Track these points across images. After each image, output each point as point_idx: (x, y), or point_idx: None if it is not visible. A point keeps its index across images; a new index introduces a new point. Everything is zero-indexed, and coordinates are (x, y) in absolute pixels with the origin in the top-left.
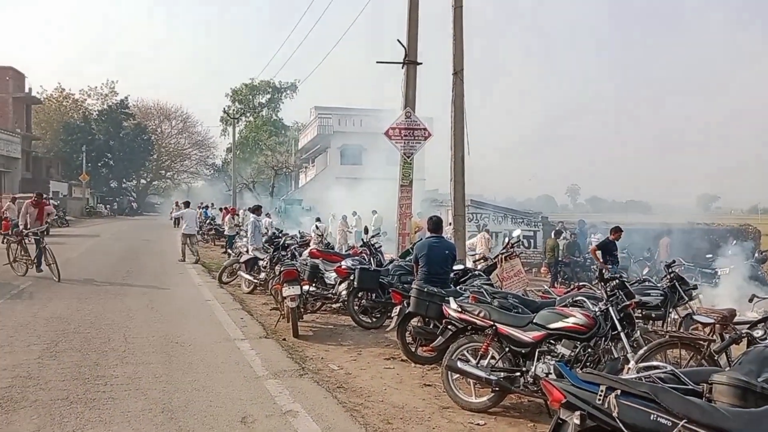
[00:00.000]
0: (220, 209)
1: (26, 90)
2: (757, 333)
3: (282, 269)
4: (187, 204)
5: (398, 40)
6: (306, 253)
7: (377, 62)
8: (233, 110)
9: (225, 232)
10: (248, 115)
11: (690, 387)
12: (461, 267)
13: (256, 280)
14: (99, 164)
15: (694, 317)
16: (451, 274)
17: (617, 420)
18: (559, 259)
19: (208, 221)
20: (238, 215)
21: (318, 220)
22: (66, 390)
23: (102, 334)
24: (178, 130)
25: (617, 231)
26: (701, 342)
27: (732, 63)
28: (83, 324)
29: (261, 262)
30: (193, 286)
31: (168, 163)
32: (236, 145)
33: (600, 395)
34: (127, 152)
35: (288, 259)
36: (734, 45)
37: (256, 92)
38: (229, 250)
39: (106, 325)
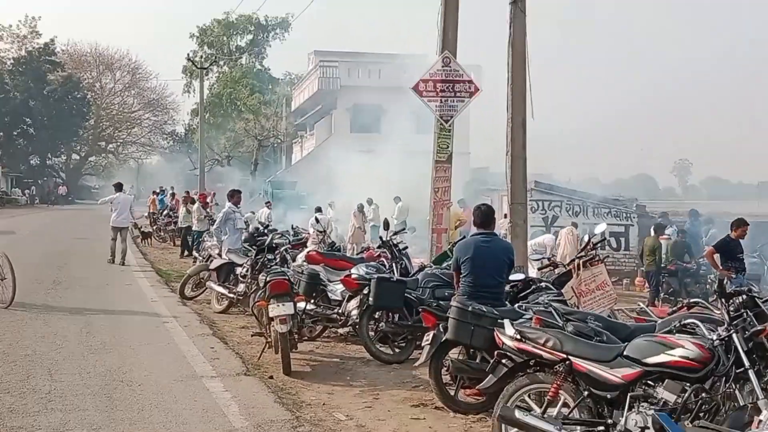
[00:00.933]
0: (185, 195)
1: None
2: None
3: (268, 279)
4: (118, 187)
5: None
6: (302, 256)
7: None
8: (201, 57)
9: (193, 228)
10: (222, 63)
11: None
12: (521, 276)
13: (231, 295)
14: (14, 134)
15: None
16: (507, 287)
17: None
18: (662, 265)
19: (165, 212)
20: (212, 203)
21: (318, 210)
22: None
23: (19, 368)
24: (125, 86)
25: (741, 225)
26: None
27: None
28: None
29: (239, 270)
30: (144, 302)
31: (110, 132)
32: (205, 106)
33: None
34: (54, 117)
35: (277, 265)
36: None
37: (233, 32)
38: (195, 253)
39: (24, 357)
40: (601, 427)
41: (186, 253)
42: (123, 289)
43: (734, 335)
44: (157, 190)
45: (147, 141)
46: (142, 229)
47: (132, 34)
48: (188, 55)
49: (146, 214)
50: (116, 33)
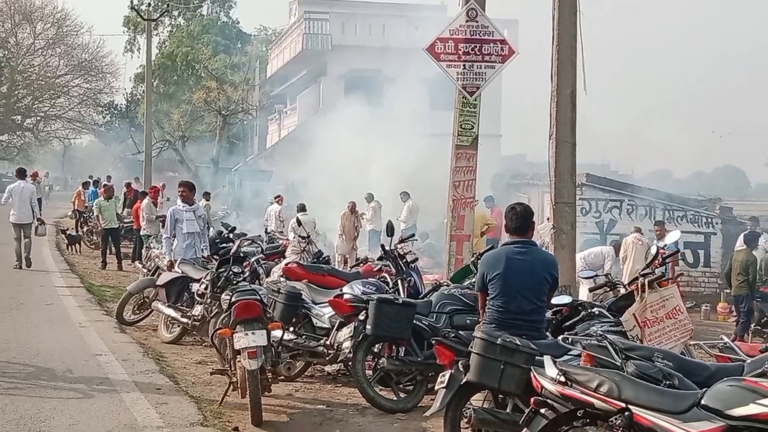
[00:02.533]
0: (112, 188)
1: None
2: None
3: (234, 300)
4: (20, 173)
5: None
6: (278, 270)
7: None
8: (149, 5)
9: (142, 231)
10: (176, 14)
11: None
12: (567, 300)
13: (185, 320)
14: None
15: None
16: (549, 313)
17: None
18: (754, 287)
19: (96, 211)
20: (162, 199)
21: (302, 209)
22: None
23: None
24: (47, 42)
25: None
26: None
27: None
28: None
29: (196, 287)
30: (71, 327)
31: (28, 103)
32: (153, 70)
33: None
34: None
35: (245, 280)
36: None
37: None
38: (137, 263)
39: None
40: None
41: (104, 263)
42: (42, 310)
43: None
44: (88, 181)
45: (76, 115)
46: (68, 232)
47: None
48: (131, 2)
49: (70, 212)
50: None
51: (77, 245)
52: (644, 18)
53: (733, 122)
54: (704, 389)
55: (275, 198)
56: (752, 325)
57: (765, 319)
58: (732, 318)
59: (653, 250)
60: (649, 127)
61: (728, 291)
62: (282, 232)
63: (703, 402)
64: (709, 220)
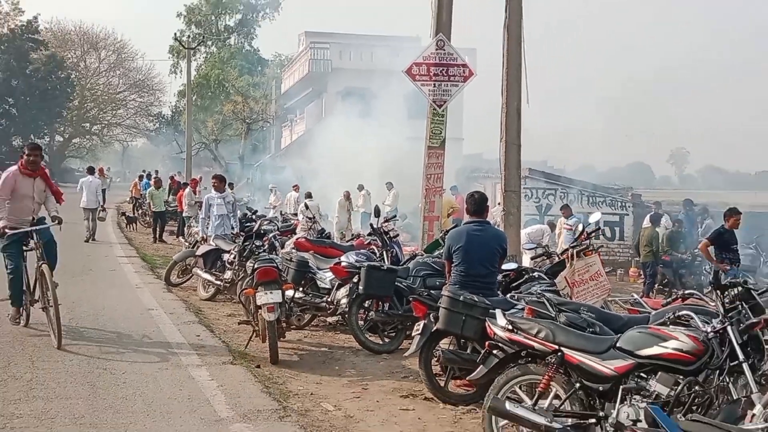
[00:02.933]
0: (160, 180)
1: None
2: None
3: (256, 267)
4: (90, 170)
5: None
6: (290, 243)
7: None
8: (188, 37)
9: (184, 213)
10: (210, 43)
11: None
12: (514, 266)
13: (218, 282)
14: None
15: None
16: (500, 277)
17: None
18: (658, 256)
19: (148, 198)
20: (200, 189)
21: (309, 196)
22: None
23: (0, 356)
24: (110, 66)
25: (733, 215)
26: None
27: None
28: None
29: (226, 256)
30: (128, 289)
31: (95, 113)
32: (192, 88)
33: None
34: (37, 96)
35: (265, 252)
36: None
37: (222, 11)
38: (180, 238)
39: (5, 344)
40: (593, 420)
41: (156, 239)
42: (107, 275)
43: (729, 328)
44: (142, 174)
45: (132, 123)
46: (126, 214)
47: (118, 11)
48: (175, 34)
49: (128, 199)
50: (101, 10)
51: (134, 224)
52: (576, 44)
53: (642, 127)
54: (619, 335)
55: (293, 187)
56: (656, 285)
57: (666, 280)
58: (640, 280)
59: (580, 227)
60: (577, 131)
61: (638, 259)
62: (295, 214)
63: (618, 345)
64: (623, 204)
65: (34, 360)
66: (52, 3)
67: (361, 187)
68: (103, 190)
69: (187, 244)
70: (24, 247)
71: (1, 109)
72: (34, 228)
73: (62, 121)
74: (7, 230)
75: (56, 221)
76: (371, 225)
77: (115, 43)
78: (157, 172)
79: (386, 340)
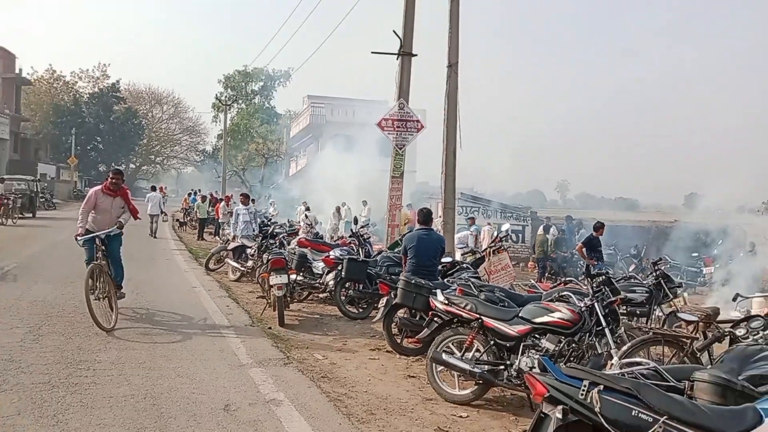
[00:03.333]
0: (204, 197)
1: (17, 71)
2: (740, 332)
3: (270, 258)
4: (153, 188)
5: (394, 31)
6: (294, 242)
7: (372, 52)
8: (225, 97)
9: (219, 220)
10: (240, 102)
11: (672, 384)
12: (449, 260)
13: (243, 268)
14: (88, 147)
15: (678, 315)
16: (439, 267)
17: (599, 415)
18: (547, 254)
19: (195, 208)
20: (231, 202)
21: (308, 208)
22: (48, 374)
23: (86, 318)
24: (169, 116)
25: (600, 227)
26: (684, 340)
27: (724, 65)
28: (67, 308)
29: (249, 250)
30: (179, 272)
31: (158, 148)
32: (227, 132)
33: (583, 390)
34: (117, 136)
35: (276, 247)
36: (725, 48)
37: (249, 79)
38: (217, 237)
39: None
40: (502, 367)
41: (199, 237)
42: (164, 263)
43: (596, 304)
44: (191, 192)
45: (184, 156)
46: (179, 220)
47: (178, 77)
48: (216, 95)
49: (180, 209)
50: (166, 76)
51: (184, 227)
52: (495, 107)
53: (537, 165)
54: (521, 308)
55: (303, 203)
56: (546, 274)
57: (553, 271)
58: (535, 271)
59: (495, 234)
60: (493, 166)
61: (534, 256)
62: (300, 222)
63: (520, 314)
64: (524, 218)
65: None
66: (131, 69)
67: (344, 204)
68: (163, 203)
69: (221, 241)
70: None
71: (92, 145)
72: (99, 233)
73: (134, 154)
74: (78, 237)
75: (117, 225)
76: (351, 230)
77: (173, 100)
78: (200, 190)
79: (360, 310)
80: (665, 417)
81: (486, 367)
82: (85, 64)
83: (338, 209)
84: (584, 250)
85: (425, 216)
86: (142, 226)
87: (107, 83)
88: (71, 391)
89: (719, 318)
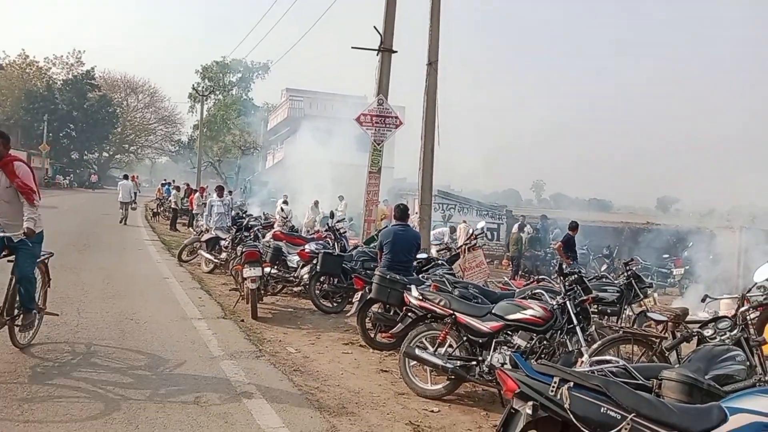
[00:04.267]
0: (178, 187)
1: None
2: (707, 332)
3: (244, 250)
4: (125, 177)
5: (374, 27)
6: (269, 235)
7: (352, 47)
8: (202, 87)
9: (193, 211)
10: (217, 93)
11: (640, 382)
12: (425, 256)
13: (216, 260)
14: (60, 134)
15: (648, 315)
16: (415, 263)
17: (569, 411)
18: (522, 252)
19: (169, 199)
20: (206, 194)
21: (285, 202)
22: (14, 363)
23: (55, 307)
24: (145, 105)
25: (575, 227)
26: (653, 339)
27: (697, 68)
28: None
29: (222, 242)
30: (151, 262)
31: (132, 137)
32: (204, 123)
33: (553, 387)
34: (91, 124)
35: (250, 240)
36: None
37: (227, 71)
38: (191, 228)
39: (59, 298)
40: (474, 362)
41: (172, 228)
42: (136, 252)
43: (568, 302)
44: (164, 182)
45: (159, 146)
46: (152, 210)
47: (153, 66)
48: (193, 85)
49: (154, 199)
50: (141, 65)
51: (157, 217)
52: (474, 106)
53: (513, 165)
54: (494, 305)
55: (284, 195)
56: (520, 272)
57: (526, 269)
58: (509, 268)
59: (470, 231)
60: (469, 165)
61: (508, 254)
62: (275, 215)
63: (493, 311)
64: (500, 216)
65: (80, 311)
66: (106, 57)
67: (317, 203)
68: (135, 193)
69: (194, 232)
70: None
71: (65, 132)
72: None
73: (108, 142)
74: None
75: (24, 230)
76: (327, 224)
77: (149, 89)
78: (173, 181)
79: (334, 304)
80: (633, 414)
81: (458, 362)
82: (60, 51)
83: (316, 203)
84: (562, 249)
85: (401, 212)
86: (113, 215)
87: (82, 70)
88: (37, 381)
89: (688, 318)
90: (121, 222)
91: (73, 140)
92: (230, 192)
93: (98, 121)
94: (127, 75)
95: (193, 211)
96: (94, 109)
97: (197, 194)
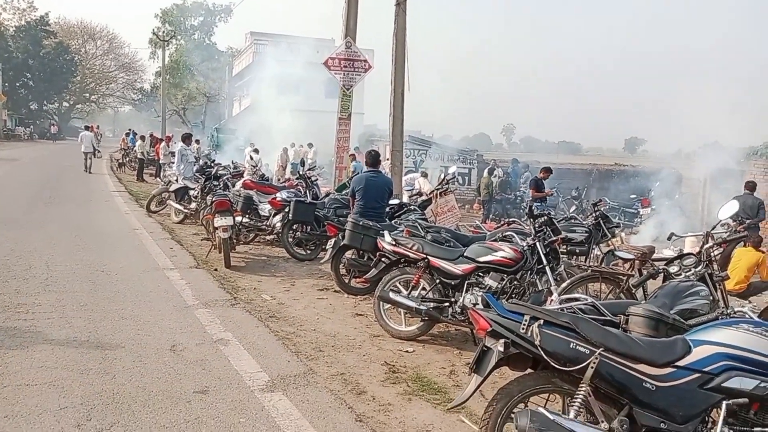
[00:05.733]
0: (143, 137)
1: None
2: (673, 269)
3: (214, 199)
4: (86, 128)
5: None
6: (240, 184)
7: None
8: (163, 32)
9: (160, 161)
10: (179, 38)
11: (608, 318)
12: (397, 202)
13: (186, 210)
14: (17, 84)
15: (616, 253)
16: (387, 209)
17: (539, 348)
18: (492, 196)
19: (134, 149)
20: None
21: (255, 150)
22: None
23: (23, 261)
24: (104, 51)
25: (547, 171)
26: (621, 276)
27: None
28: (2, 251)
29: (192, 192)
30: (119, 214)
31: (93, 86)
32: (166, 70)
33: (524, 324)
34: (48, 73)
35: (220, 189)
36: None
37: (188, 14)
38: (158, 178)
39: (27, 252)
40: (447, 304)
41: (138, 178)
42: (103, 204)
43: (537, 243)
44: (128, 132)
45: (121, 94)
46: (118, 160)
47: (112, 10)
48: (153, 30)
49: (118, 149)
50: (99, 9)
51: (123, 168)
52: (446, 48)
53: (483, 107)
54: (466, 248)
55: (250, 144)
56: (490, 215)
57: (497, 212)
58: (480, 212)
59: (441, 176)
60: (440, 109)
61: (479, 198)
62: (245, 164)
63: (465, 254)
64: (470, 161)
65: (49, 265)
66: (60, 2)
67: (292, 146)
68: (97, 142)
69: (162, 182)
70: None
71: (21, 81)
72: None
73: (68, 92)
74: None
75: None
76: (298, 172)
77: (108, 35)
78: (136, 132)
79: (308, 251)
80: (601, 349)
81: (431, 304)
82: None
83: (285, 150)
84: (531, 191)
85: (373, 158)
86: (77, 166)
87: (35, 16)
88: (9, 334)
89: (654, 256)
90: (85, 171)
91: (30, 90)
92: (197, 141)
93: (56, 70)
94: (84, 21)
95: (160, 161)
96: (50, 57)
97: (163, 143)
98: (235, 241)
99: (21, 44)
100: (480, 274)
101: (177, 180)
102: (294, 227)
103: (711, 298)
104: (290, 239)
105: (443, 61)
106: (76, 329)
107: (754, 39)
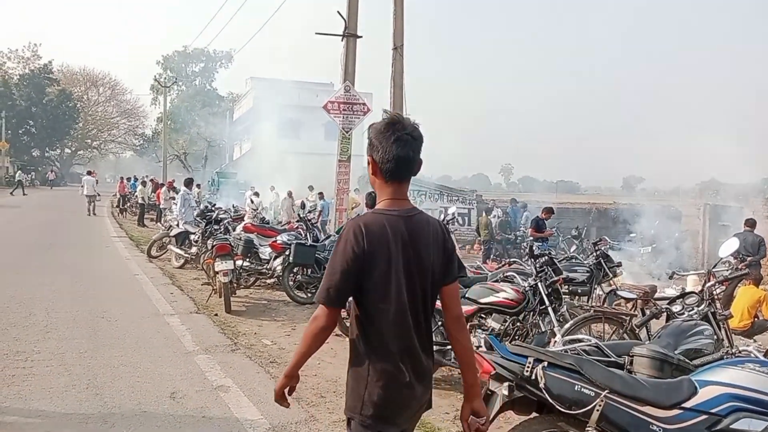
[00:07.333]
0: (144, 182)
1: None
2: (676, 308)
3: (214, 243)
4: (88, 173)
5: (338, 12)
6: (240, 227)
7: (316, 33)
8: (164, 78)
9: (161, 205)
10: (180, 84)
11: (612, 359)
12: None
13: (186, 255)
14: (20, 131)
15: (618, 293)
16: None
17: (543, 390)
18: (492, 236)
19: (135, 194)
20: (174, 189)
21: (256, 194)
22: None
23: (23, 308)
24: (106, 98)
25: (549, 211)
26: (624, 316)
27: (657, 46)
28: (2, 297)
29: (192, 236)
30: (120, 259)
31: (95, 132)
32: (167, 115)
33: (528, 367)
34: (51, 120)
35: (221, 233)
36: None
37: (189, 60)
38: (159, 223)
39: (27, 299)
40: (449, 347)
41: (139, 223)
42: (103, 250)
43: (539, 283)
44: (130, 177)
45: (123, 140)
46: (119, 207)
47: (113, 58)
48: (155, 76)
49: (115, 194)
50: (101, 57)
51: (124, 213)
52: (445, 93)
53: (482, 149)
54: (467, 289)
55: (252, 187)
56: (491, 256)
57: (498, 252)
58: (480, 252)
59: (442, 216)
60: (440, 152)
61: (479, 238)
62: (245, 207)
63: (467, 295)
64: (470, 201)
65: (48, 311)
66: (63, 51)
67: (290, 194)
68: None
69: (163, 227)
70: None
71: (24, 129)
72: None
73: (70, 138)
74: None
75: None
76: (298, 215)
77: (110, 82)
78: (137, 177)
79: (309, 294)
80: (606, 391)
81: (434, 347)
82: (14, 44)
83: (289, 194)
84: (532, 231)
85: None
86: (78, 212)
87: (39, 64)
88: (7, 383)
89: (656, 295)
90: (89, 214)
91: (33, 137)
92: (198, 185)
93: (58, 117)
94: (87, 68)
95: (161, 206)
96: (53, 105)
97: (164, 188)
98: (235, 285)
99: (24, 92)
100: (482, 315)
101: (178, 224)
102: (295, 270)
103: (715, 337)
104: (291, 282)
105: (441, 102)
106: (75, 377)
107: (753, 71)
